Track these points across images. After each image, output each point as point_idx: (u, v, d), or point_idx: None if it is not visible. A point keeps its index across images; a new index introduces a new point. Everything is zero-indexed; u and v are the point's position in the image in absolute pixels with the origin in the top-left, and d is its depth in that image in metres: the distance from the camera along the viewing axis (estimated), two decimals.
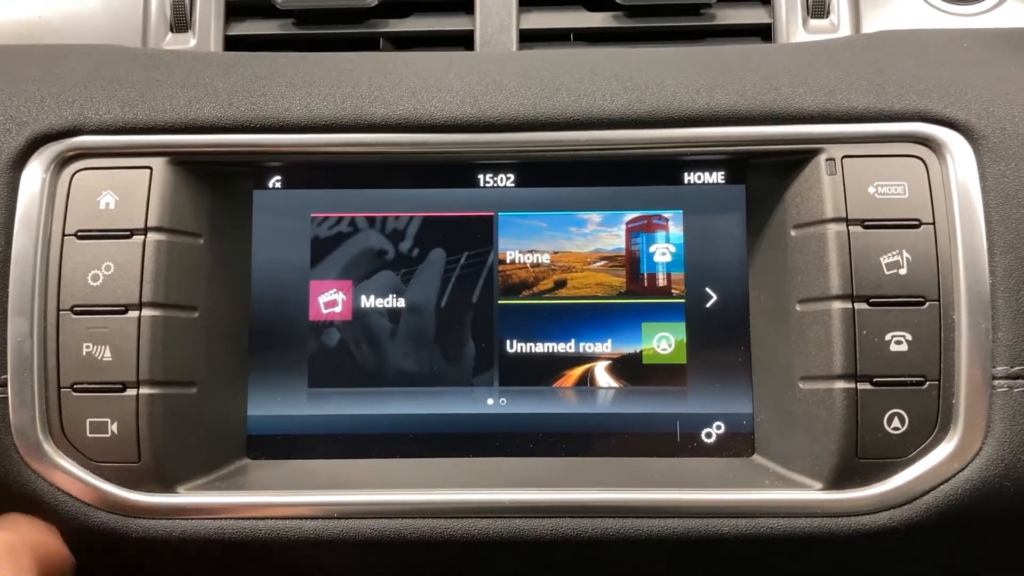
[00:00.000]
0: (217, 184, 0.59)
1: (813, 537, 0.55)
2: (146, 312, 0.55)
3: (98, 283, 0.55)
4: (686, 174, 0.60)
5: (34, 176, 0.56)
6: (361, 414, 0.60)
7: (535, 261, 0.60)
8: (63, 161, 0.57)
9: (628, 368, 0.60)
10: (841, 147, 0.56)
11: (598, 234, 0.60)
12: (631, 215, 0.60)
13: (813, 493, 0.55)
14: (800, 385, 0.56)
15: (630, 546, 0.55)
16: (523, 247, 0.60)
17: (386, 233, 0.60)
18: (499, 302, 0.60)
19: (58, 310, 0.55)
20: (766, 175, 0.59)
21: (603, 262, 0.60)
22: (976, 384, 0.53)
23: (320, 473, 0.59)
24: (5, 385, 0.55)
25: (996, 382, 0.53)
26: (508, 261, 0.60)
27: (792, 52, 0.61)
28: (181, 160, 0.57)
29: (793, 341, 0.57)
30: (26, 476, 0.55)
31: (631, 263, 0.60)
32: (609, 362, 0.60)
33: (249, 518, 0.55)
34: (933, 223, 0.55)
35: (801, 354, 0.56)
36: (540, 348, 0.60)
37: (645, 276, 0.60)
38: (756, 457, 0.59)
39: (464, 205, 0.60)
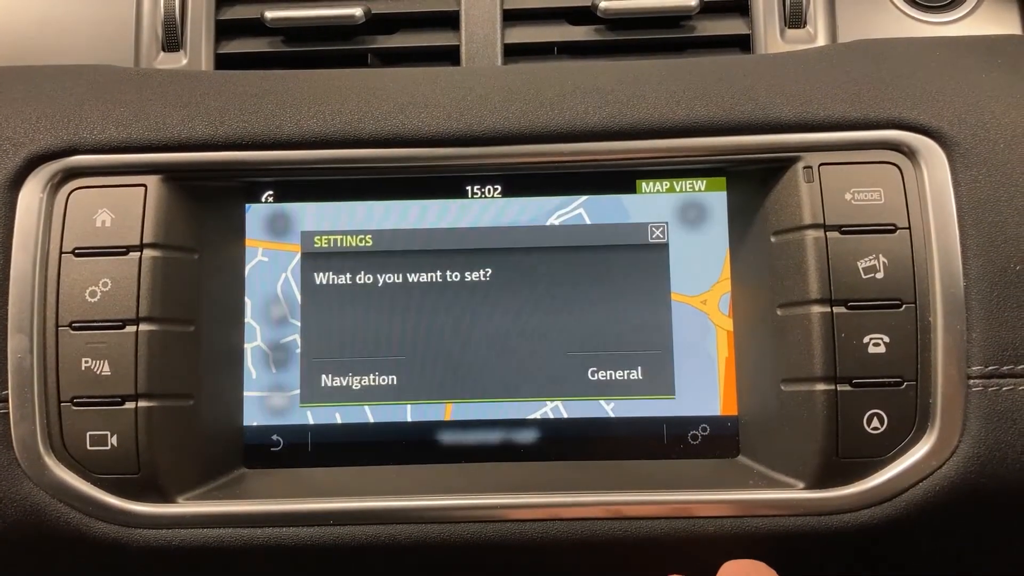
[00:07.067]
0: (210, 200, 0.60)
1: (797, 535, 0.56)
2: (143, 327, 0.56)
3: (96, 299, 0.56)
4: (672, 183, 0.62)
5: (31, 195, 0.57)
6: (357, 423, 0.61)
7: None
8: (59, 180, 0.58)
9: None
10: (818, 155, 0.58)
11: None
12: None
13: (796, 492, 0.56)
14: (782, 387, 0.57)
15: (618, 548, 0.56)
16: None
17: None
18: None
19: (57, 326, 0.56)
20: (746, 183, 0.61)
21: None
22: (952, 384, 0.55)
23: (317, 481, 0.60)
24: (6, 400, 0.56)
25: (971, 381, 0.55)
26: None
27: (770, 62, 0.62)
28: (175, 177, 0.58)
29: (775, 345, 0.58)
30: (27, 489, 0.56)
31: None
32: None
33: (247, 526, 0.56)
34: (908, 228, 0.56)
35: (782, 357, 0.57)
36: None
37: None
38: (741, 458, 0.60)
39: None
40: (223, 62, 0.74)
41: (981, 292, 0.55)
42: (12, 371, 0.56)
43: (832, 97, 0.58)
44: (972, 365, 0.55)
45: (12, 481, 0.56)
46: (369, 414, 0.61)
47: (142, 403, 0.56)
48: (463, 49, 0.73)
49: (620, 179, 0.62)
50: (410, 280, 0.61)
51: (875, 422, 0.55)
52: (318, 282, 0.62)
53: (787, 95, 0.59)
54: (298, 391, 0.61)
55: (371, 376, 0.61)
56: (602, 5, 0.72)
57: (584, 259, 0.61)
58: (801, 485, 0.56)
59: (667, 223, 0.61)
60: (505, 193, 0.62)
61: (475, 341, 0.61)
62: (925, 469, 0.55)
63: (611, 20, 0.73)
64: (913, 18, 0.75)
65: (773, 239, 0.58)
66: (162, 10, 0.74)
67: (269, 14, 0.72)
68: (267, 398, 0.61)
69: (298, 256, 0.62)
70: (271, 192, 0.62)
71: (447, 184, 0.62)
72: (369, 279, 0.61)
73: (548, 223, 0.62)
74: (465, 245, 0.62)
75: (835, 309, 0.56)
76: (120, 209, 0.57)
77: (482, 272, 0.61)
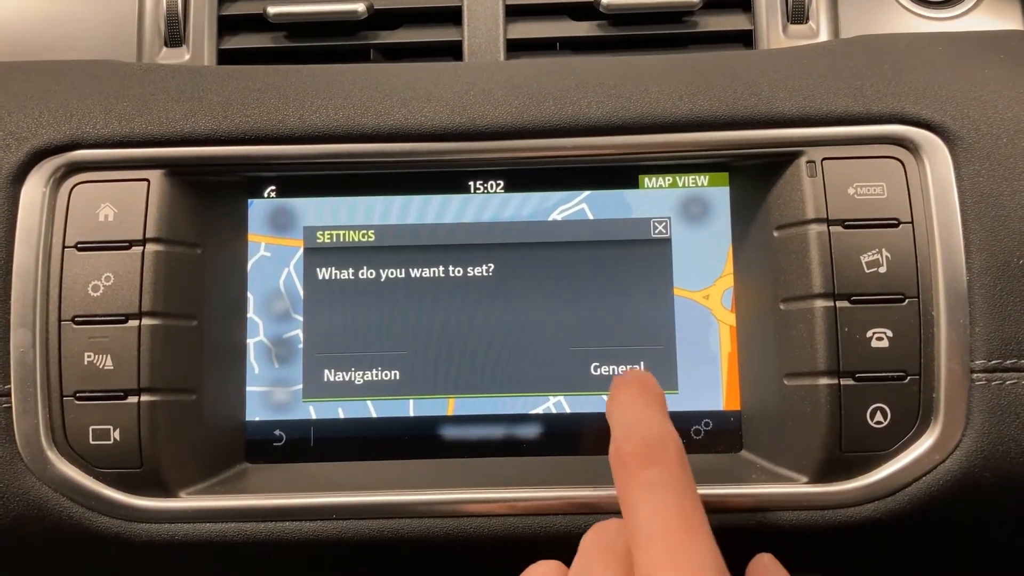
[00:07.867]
0: (213, 195, 0.60)
1: (800, 530, 0.56)
2: (146, 321, 0.56)
3: (98, 293, 0.56)
4: (674, 177, 0.62)
5: (34, 190, 0.57)
6: (359, 418, 0.61)
7: None
8: (62, 175, 0.58)
9: None
10: (821, 149, 0.57)
11: None
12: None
13: (799, 487, 0.56)
14: (785, 382, 0.57)
15: None
16: None
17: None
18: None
19: (59, 320, 0.56)
20: (748, 178, 0.61)
21: None
22: (955, 378, 0.55)
23: (319, 476, 0.60)
24: (9, 395, 0.56)
25: (975, 376, 0.55)
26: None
27: (772, 57, 0.62)
28: (177, 172, 0.58)
29: (778, 339, 0.58)
30: (30, 483, 0.56)
31: None
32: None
33: (250, 521, 0.57)
34: (911, 222, 0.56)
35: (785, 352, 0.57)
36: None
37: None
38: (743, 453, 0.60)
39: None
40: (226, 57, 0.74)
41: (984, 286, 0.55)
42: (15, 365, 0.56)
43: (835, 92, 0.58)
44: (975, 359, 0.55)
45: (14, 475, 0.56)
46: (372, 409, 0.61)
47: (145, 397, 0.56)
48: (465, 44, 0.73)
49: (622, 174, 0.62)
50: (412, 275, 0.61)
51: (878, 416, 0.55)
52: (320, 277, 0.62)
53: (790, 90, 0.59)
54: (300, 386, 0.61)
55: (374, 371, 0.61)
56: (605, 0, 0.72)
57: (586, 254, 0.61)
58: (804, 480, 0.56)
59: (670, 218, 0.61)
60: (507, 188, 0.62)
61: (477, 336, 0.61)
62: (928, 463, 0.55)
63: (613, 15, 0.73)
64: (915, 14, 0.75)
65: (776, 234, 0.58)
66: (164, 5, 0.74)
67: (271, 9, 0.72)
68: (269, 393, 0.61)
69: (301, 251, 0.62)
70: (274, 187, 0.62)
71: (449, 179, 0.62)
72: (372, 274, 0.62)
73: (550, 218, 0.62)
74: (467, 240, 0.62)
75: (838, 303, 0.55)
76: (123, 203, 0.57)
77: (484, 267, 0.61)
